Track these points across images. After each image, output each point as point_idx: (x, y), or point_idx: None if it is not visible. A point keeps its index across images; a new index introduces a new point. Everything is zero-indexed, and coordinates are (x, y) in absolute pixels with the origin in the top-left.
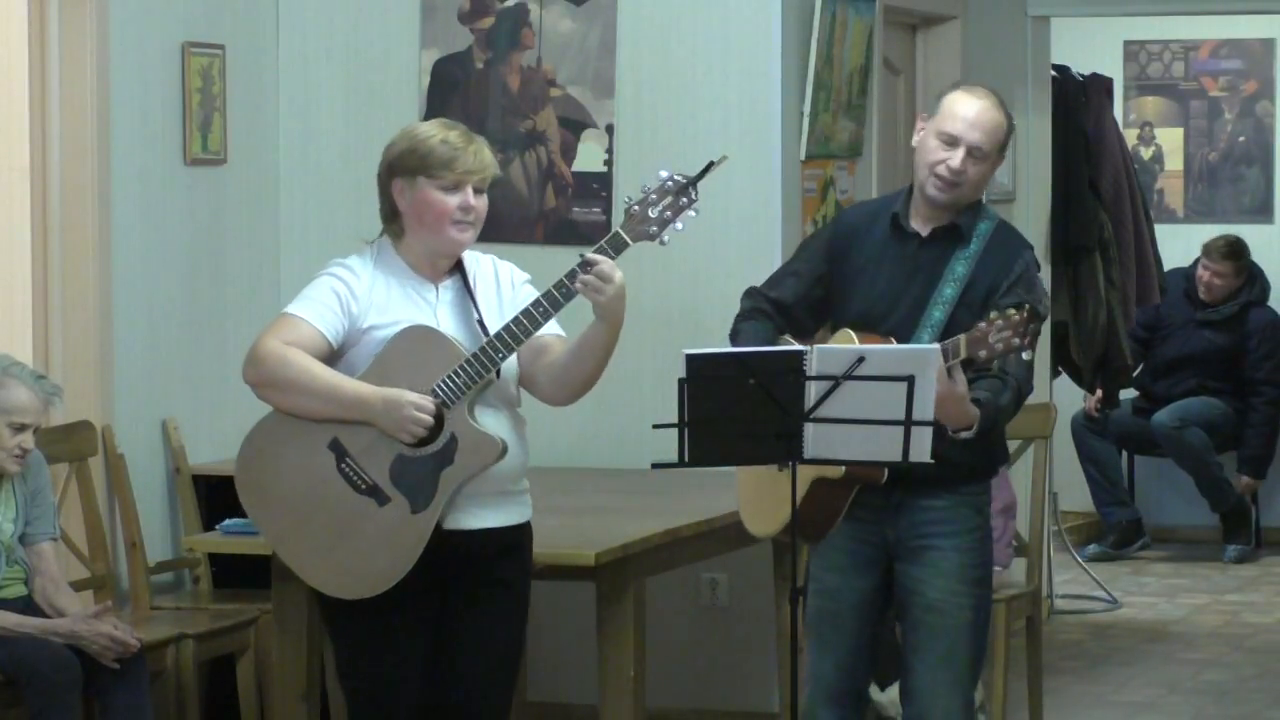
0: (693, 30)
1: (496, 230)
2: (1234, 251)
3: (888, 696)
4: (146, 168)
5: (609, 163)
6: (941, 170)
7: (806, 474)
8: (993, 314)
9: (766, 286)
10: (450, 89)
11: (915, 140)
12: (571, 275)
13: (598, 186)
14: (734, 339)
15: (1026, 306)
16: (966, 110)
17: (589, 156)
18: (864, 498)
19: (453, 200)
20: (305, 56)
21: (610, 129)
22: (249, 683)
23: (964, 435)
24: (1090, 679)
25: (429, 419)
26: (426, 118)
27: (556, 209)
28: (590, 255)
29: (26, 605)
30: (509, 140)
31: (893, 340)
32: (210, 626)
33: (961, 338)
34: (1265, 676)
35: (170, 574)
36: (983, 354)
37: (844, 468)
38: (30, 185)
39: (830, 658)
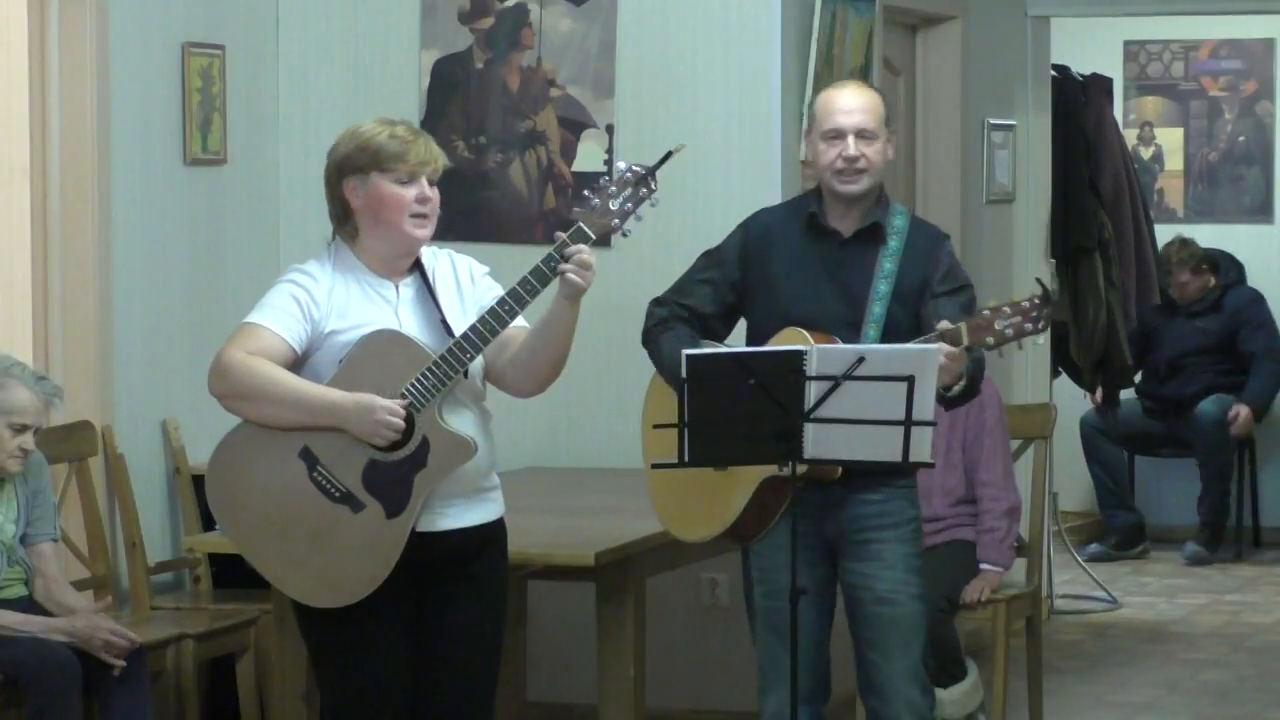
0: (693, 30)
1: (496, 230)
2: (1182, 259)
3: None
4: (146, 168)
5: (609, 163)
6: (839, 163)
7: (755, 474)
8: (991, 302)
9: (677, 295)
10: (450, 89)
11: (804, 155)
12: (537, 273)
13: None
14: (655, 348)
15: (1040, 291)
16: (839, 102)
17: (589, 156)
18: (802, 495)
19: (409, 192)
20: (305, 56)
21: (610, 129)
22: (249, 683)
23: (956, 390)
24: (1090, 679)
25: (400, 423)
26: (426, 117)
27: (557, 209)
28: (569, 246)
29: (27, 606)
30: (509, 140)
31: (836, 340)
32: (210, 626)
33: (962, 326)
34: (1265, 676)
35: (170, 574)
36: (990, 340)
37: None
38: (30, 185)
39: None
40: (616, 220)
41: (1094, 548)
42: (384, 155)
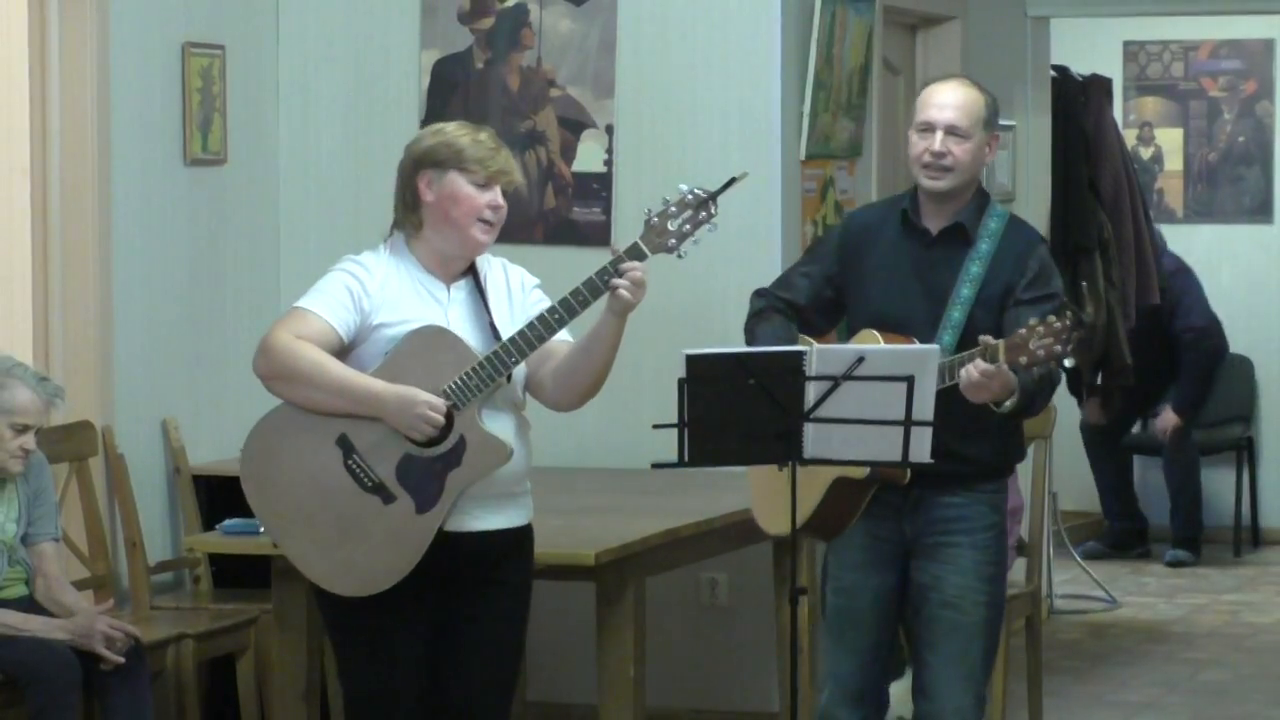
0: (693, 30)
1: None
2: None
3: (892, 694)
4: (146, 168)
5: (609, 163)
6: (925, 157)
7: (828, 473)
8: (1032, 320)
9: (777, 287)
10: (450, 89)
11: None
12: (590, 284)
13: (598, 186)
14: (752, 337)
15: (1069, 314)
16: (935, 96)
17: (589, 156)
18: (882, 495)
19: (484, 197)
20: (305, 56)
21: (610, 129)
22: (249, 683)
23: (1009, 404)
24: (1090, 679)
25: (440, 419)
26: (426, 118)
27: (556, 209)
28: (624, 262)
29: (28, 605)
30: (509, 140)
31: (914, 341)
32: (210, 626)
33: (1000, 344)
34: (1265, 676)
35: (170, 574)
36: (1023, 360)
37: (867, 468)
38: (30, 185)
39: (851, 657)
40: (674, 240)
41: (1091, 544)
42: (466, 156)
